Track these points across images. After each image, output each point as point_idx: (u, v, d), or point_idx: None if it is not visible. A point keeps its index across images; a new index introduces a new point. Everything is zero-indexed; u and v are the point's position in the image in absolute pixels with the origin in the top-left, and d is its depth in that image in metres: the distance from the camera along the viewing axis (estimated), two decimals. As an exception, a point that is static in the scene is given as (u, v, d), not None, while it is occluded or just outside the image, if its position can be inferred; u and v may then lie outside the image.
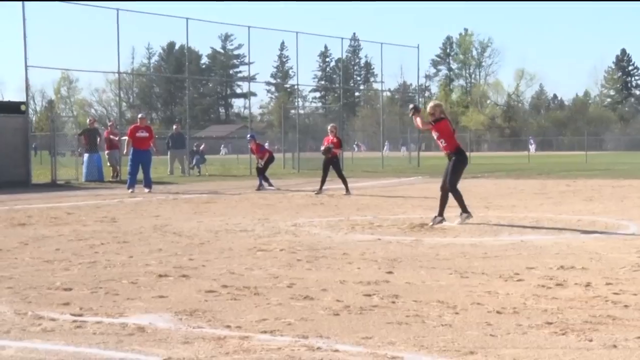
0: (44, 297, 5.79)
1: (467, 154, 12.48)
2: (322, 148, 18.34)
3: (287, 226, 10.79)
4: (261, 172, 20.26)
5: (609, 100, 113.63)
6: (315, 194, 17.61)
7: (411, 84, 79.09)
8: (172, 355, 4.11)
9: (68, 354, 4.16)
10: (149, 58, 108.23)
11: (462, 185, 11.63)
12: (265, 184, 20.16)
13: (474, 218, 10.92)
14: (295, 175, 28.31)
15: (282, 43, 65.57)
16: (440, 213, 10.72)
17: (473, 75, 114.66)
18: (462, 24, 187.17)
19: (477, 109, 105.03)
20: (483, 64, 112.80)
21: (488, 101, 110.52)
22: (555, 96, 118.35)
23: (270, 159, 20.79)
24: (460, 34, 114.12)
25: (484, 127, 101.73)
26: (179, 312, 5.20)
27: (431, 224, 10.58)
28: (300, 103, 56.52)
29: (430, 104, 11.31)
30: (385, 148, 43.68)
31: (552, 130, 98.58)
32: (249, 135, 22.13)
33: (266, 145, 25.83)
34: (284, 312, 5.17)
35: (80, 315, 5.11)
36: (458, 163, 10.89)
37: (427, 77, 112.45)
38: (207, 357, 4.08)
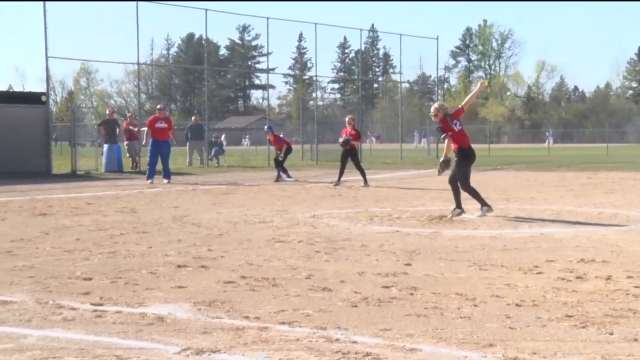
0: (65, 286, 5.83)
1: (487, 145, 12.40)
2: (341, 140, 18.31)
3: (306, 218, 10.80)
4: (280, 164, 20.29)
5: (630, 92, 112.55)
6: (334, 185, 17.60)
7: (430, 76, 78.83)
8: (191, 345, 4.12)
9: (88, 343, 4.19)
10: (168, 49, 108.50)
11: (482, 177, 11.58)
12: (283, 175, 20.18)
13: (494, 211, 10.87)
14: (313, 167, 28.32)
15: (301, 34, 65.48)
16: (458, 205, 10.67)
17: (493, 67, 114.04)
18: (482, 15, 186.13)
19: (497, 100, 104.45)
20: (503, 55, 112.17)
21: (508, 93, 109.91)
22: (576, 88, 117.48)
23: (288, 150, 20.80)
24: (480, 26, 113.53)
25: (503, 119, 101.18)
26: (198, 302, 5.21)
27: (450, 216, 10.55)
28: (319, 94, 56.48)
29: (435, 105, 11.07)
30: (421, 140, 43.09)
31: (573, 122, 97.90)
32: (266, 127, 22.15)
33: (281, 135, 25.83)
34: (302, 304, 5.18)
35: (101, 304, 5.14)
36: (461, 159, 10.76)
37: (447, 68, 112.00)
38: (226, 347, 4.09)
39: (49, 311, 4.95)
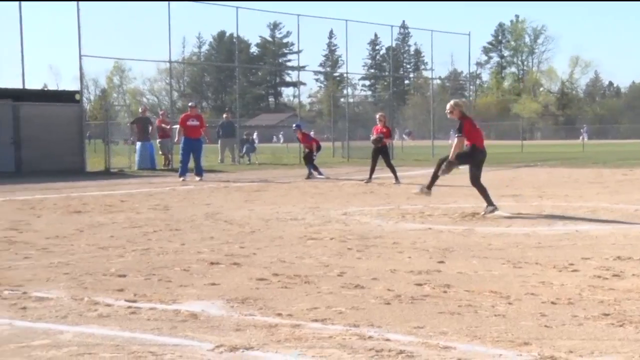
0: (100, 283, 5.88)
1: (519, 142, 12.29)
2: (373, 137, 18.27)
3: (338, 215, 10.79)
4: (310, 161, 20.28)
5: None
6: (365, 182, 17.57)
7: (462, 72, 78.39)
8: (224, 342, 4.13)
9: (124, 339, 4.22)
10: (200, 47, 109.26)
11: (516, 174, 11.48)
12: (314, 172, 20.18)
13: (528, 209, 10.76)
14: (344, 164, 28.29)
15: (331, 31, 65.52)
16: (490, 202, 10.57)
17: (525, 63, 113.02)
18: (514, 11, 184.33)
19: (530, 96, 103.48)
20: (536, 51, 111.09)
21: (541, 89, 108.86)
22: (611, 83, 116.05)
23: (318, 148, 20.73)
24: (512, 21, 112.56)
25: (537, 115, 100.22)
26: (230, 299, 5.23)
27: (483, 213, 10.46)
28: (350, 91, 56.39)
29: (450, 102, 10.87)
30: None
31: (607, 118, 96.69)
32: (294, 125, 22.13)
33: (312, 134, 25.83)
34: (335, 301, 5.17)
35: (135, 301, 5.18)
36: (465, 157, 10.61)
37: (479, 64, 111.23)
38: (259, 344, 4.10)
39: (85, 307, 5.00)
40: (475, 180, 10.62)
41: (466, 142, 10.53)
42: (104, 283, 5.87)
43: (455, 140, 10.63)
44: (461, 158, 10.61)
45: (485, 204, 10.54)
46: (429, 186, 10.84)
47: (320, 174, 20.29)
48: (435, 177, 10.82)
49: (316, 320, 4.62)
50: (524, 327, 4.43)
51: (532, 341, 4.13)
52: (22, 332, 4.38)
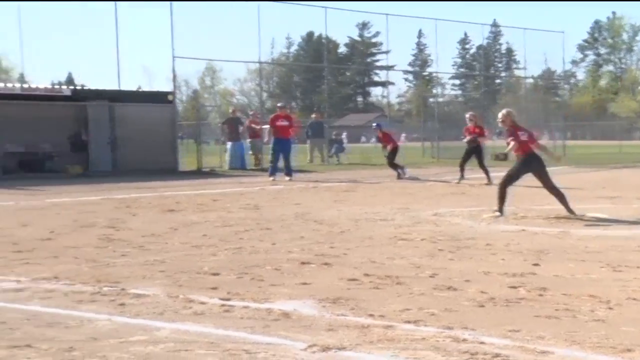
0: (194, 280, 5.99)
1: (617, 142, 11.97)
2: (466, 138, 17.98)
3: (428, 215, 10.68)
4: (390, 163, 19.90)
5: None
6: (456, 183, 17.35)
7: (556, 71, 76.50)
8: (317, 341, 4.14)
9: (218, 337, 4.27)
10: (288, 48, 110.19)
11: (614, 175, 11.12)
12: (400, 171, 19.86)
13: (628, 211, 10.41)
14: (434, 164, 28.02)
15: (420, 31, 65.04)
16: (500, 209, 10.35)
17: (623, 60, 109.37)
18: (611, 8, 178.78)
19: (629, 95, 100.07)
20: (634, 48, 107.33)
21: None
22: None
23: (395, 149, 20.29)
24: (609, 18, 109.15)
25: (635, 114, 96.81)
26: (322, 299, 5.23)
27: (488, 215, 10.29)
28: (439, 91, 55.84)
29: (503, 111, 11.00)
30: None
31: None
32: (374, 124, 21.82)
33: (403, 136, 25.58)
34: (427, 302, 5.11)
35: (228, 299, 5.24)
36: (521, 164, 10.53)
37: (574, 62, 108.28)
38: (352, 345, 4.08)
39: (180, 305, 5.09)
40: (505, 184, 10.51)
41: (515, 149, 10.60)
42: (198, 281, 5.97)
43: (511, 144, 10.65)
44: (520, 170, 10.62)
45: (495, 208, 10.48)
46: (500, 209, 10.68)
47: (404, 173, 19.87)
48: (502, 199, 10.67)
49: (409, 322, 4.57)
50: (626, 333, 4.27)
51: (635, 348, 3.97)
52: (120, 328, 4.50)
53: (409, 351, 3.96)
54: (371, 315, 4.75)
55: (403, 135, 37.44)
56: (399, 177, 19.54)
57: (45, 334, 4.35)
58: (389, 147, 19.93)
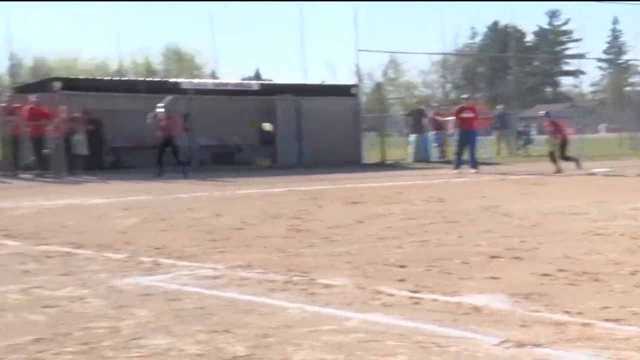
0: (380, 272, 5.98)
1: None
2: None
3: (626, 210, 10.08)
4: (561, 156, 18.63)
5: None
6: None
7: None
8: (510, 337, 3.99)
9: (407, 328, 4.23)
10: (473, 38, 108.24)
11: None
12: (574, 163, 18.55)
13: None
14: (632, 156, 26.48)
15: (615, 17, 61.58)
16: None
17: None
18: None
19: None
20: None
21: None
22: None
23: (565, 142, 19.01)
24: None
25: None
26: (513, 294, 5.05)
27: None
28: (637, 79, 52.64)
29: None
30: None
31: None
32: (544, 113, 20.65)
33: (601, 127, 24.27)
34: (628, 301, 4.79)
35: (416, 291, 5.19)
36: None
37: None
38: (548, 342, 3.90)
39: (368, 296, 5.10)
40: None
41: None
42: (385, 273, 5.96)
43: None
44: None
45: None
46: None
47: (578, 165, 18.40)
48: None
49: (608, 320, 4.31)
50: None
51: None
52: (311, 317, 4.57)
53: (611, 351, 3.72)
54: (567, 312, 4.52)
55: (603, 125, 35.55)
56: (559, 171, 18.16)
57: (241, 320, 4.50)
58: (558, 138, 18.71)
